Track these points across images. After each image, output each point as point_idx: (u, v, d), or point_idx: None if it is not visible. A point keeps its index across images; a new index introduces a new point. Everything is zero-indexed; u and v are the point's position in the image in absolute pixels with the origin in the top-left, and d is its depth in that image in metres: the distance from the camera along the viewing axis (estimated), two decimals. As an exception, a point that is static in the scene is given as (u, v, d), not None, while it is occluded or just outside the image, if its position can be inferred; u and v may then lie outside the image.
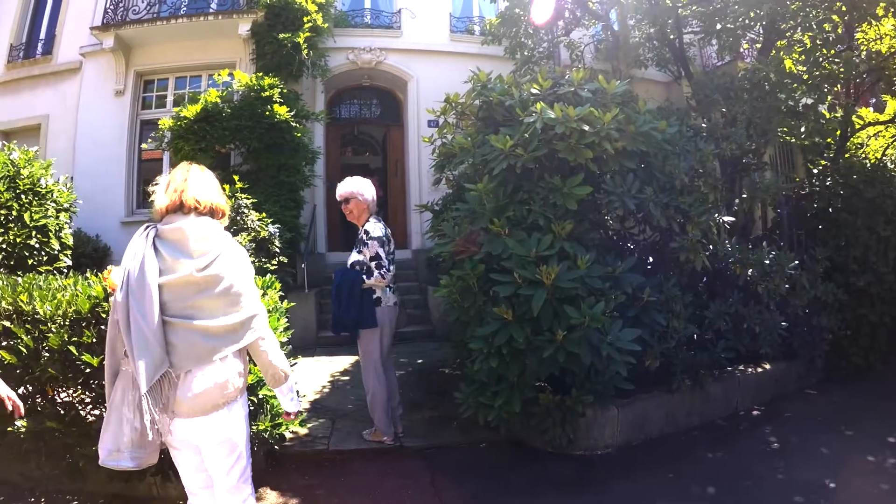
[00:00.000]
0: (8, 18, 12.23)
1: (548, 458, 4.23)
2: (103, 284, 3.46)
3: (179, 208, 2.29)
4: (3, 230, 5.71)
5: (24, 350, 3.40)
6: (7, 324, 3.48)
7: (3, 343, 3.41)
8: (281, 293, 4.17)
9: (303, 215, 9.62)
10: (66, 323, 3.47)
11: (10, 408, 2.44)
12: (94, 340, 3.40)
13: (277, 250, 7.57)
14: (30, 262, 5.89)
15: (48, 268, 5.96)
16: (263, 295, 3.84)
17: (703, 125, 5.85)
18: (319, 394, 5.97)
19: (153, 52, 11.06)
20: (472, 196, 4.29)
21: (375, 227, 4.39)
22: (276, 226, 7.68)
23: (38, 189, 6.20)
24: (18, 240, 5.77)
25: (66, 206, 6.69)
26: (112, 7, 10.75)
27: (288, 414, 2.58)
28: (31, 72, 11.84)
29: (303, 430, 4.71)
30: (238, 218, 7.32)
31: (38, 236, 6.06)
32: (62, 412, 3.60)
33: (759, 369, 5.35)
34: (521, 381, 4.05)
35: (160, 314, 2.13)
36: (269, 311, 3.71)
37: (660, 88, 11.68)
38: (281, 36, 9.64)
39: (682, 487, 3.77)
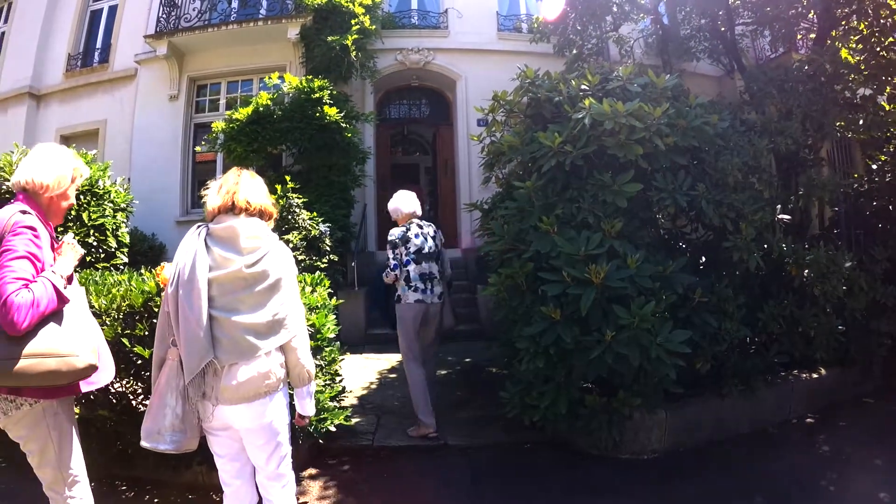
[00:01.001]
0: (65, 29, 12.84)
1: (593, 461, 4.17)
2: (156, 280, 3.58)
3: (231, 209, 2.42)
4: (62, 229, 5.94)
5: (80, 342, 3.54)
6: None
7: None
8: (330, 290, 4.24)
9: (353, 214, 9.72)
10: (120, 316, 3.61)
11: None
12: (146, 333, 3.52)
13: (328, 249, 7.66)
14: (88, 258, 6.09)
15: (105, 265, 6.15)
16: (312, 292, 3.91)
17: (757, 119, 5.67)
18: (366, 390, 6.02)
19: (205, 57, 11.38)
20: (520, 194, 4.25)
21: (391, 232, 4.81)
22: (327, 224, 7.78)
23: (96, 190, 6.41)
24: (77, 238, 5.98)
25: (122, 205, 6.90)
26: (164, 16, 11.11)
27: (302, 418, 2.60)
28: (89, 79, 12.37)
29: (348, 425, 4.75)
30: (289, 217, 7.43)
31: (96, 234, 6.25)
32: (114, 401, 3.73)
33: (814, 375, 5.12)
34: (568, 382, 4.00)
35: (207, 308, 2.25)
36: (317, 308, 3.77)
37: (712, 83, 11.39)
38: (329, 38, 9.75)
39: (729, 496, 3.65)
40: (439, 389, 5.29)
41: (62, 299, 2.14)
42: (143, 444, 2.39)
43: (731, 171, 4.40)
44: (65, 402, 2.35)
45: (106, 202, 6.53)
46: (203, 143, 10.15)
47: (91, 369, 2.18)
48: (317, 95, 8.77)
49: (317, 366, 3.76)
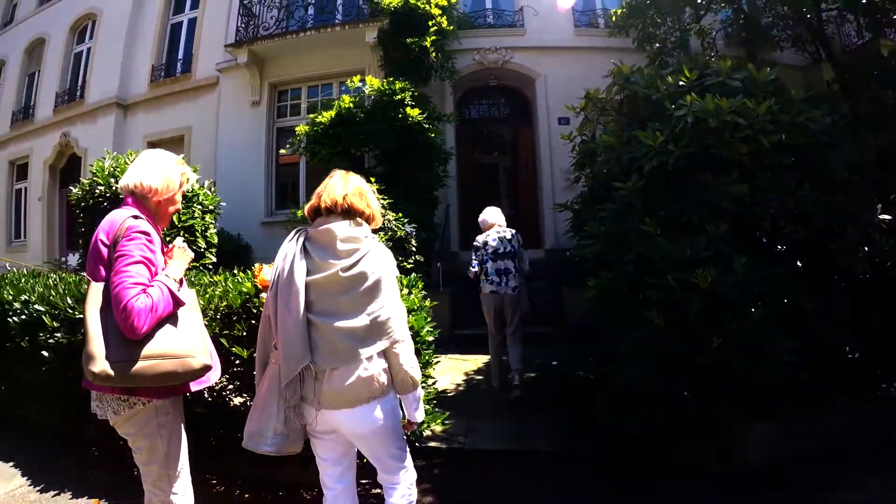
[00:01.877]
0: (148, 43, 13.71)
1: (688, 473, 3.95)
2: (253, 281, 3.64)
3: (329, 212, 2.40)
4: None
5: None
6: None
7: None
8: (423, 292, 4.24)
9: (436, 215, 9.70)
10: (218, 316, 3.70)
11: None
12: (245, 334, 3.59)
13: (414, 249, 7.69)
14: (176, 258, 6.37)
15: (195, 264, 6.40)
16: (409, 294, 3.90)
17: (848, 112, 5.31)
18: (455, 392, 6.01)
19: (285, 63, 11.69)
20: (620, 195, 4.10)
21: (476, 238, 6.11)
22: (413, 225, 7.80)
23: (185, 193, 6.68)
24: (168, 239, 6.23)
25: (210, 207, 7.17)
26: (243, 25, 11.52)
27: (411, 424, 2.52)
28: (173, 88, 13.13)
29: (439, 428, 4.72)
30: None
31: (186, 235, 6.49)
32: (210, 399, 3.87)
33: (920, 388, 4.72)
34: (668, 391, 3.84)
35: (305, 312, 2.25)
36: (414, 310, 3.75)
37: (796, 73, 10.79)
38: (409, 40, 9.75)
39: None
40: (526, 393, 5.33)
41: (177, 302, 2.19)
42: (246, 445, 2.39)
43: (837, 170, 4.13)
44: (176, 401, 2.40)
45: (195, 204, 6.78)
46: (287, 146, 10.31)
47: (205, 369, 2.24)
48: (399, 97, 8.76)
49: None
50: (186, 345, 2.17)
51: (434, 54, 9.98)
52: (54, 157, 14.96)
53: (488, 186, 12.25)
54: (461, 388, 6.15)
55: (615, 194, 4.16)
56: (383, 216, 7.41)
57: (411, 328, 3.66)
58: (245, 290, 3.68)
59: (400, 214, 7.76)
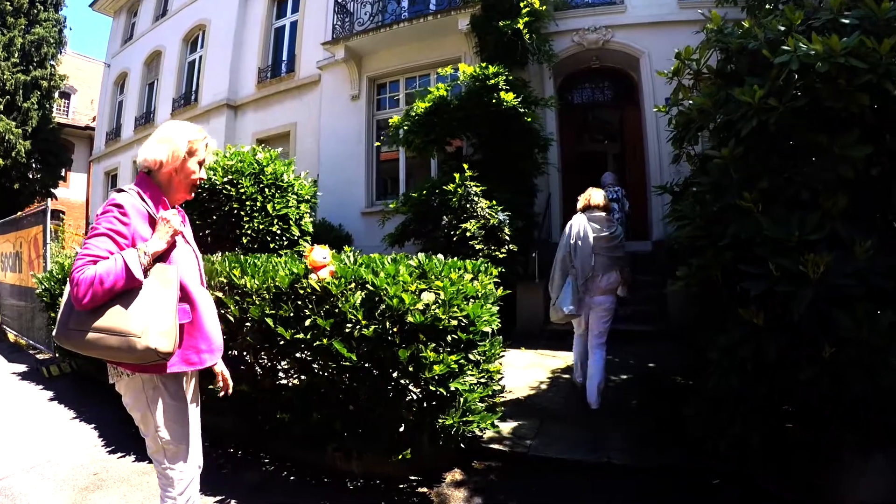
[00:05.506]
0: (253, 47, 14.67)
1: None
2: (304, 262, 3.61)
3: (596, 207, 5.09)
4: (248, 218, 6.39)
5: (232, 319, 3.74)
6: (220, 295, 3.80)
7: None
8: (497, 279, 4.03)
9: (536, 203, 9.40)
10: (269, 297, 3.68)
11: (220, 384, 2.61)
12: (291, 315, 3.55)
13: (507, 238, 7.40)
14: (272, 245, 6.54)
15: (288, 251, 6.49)
16: (472, 279, 3.66)
17: None
18: (534, 390, 5.54)
19: (381, 57, 11.89)
20: (715, 165, 3.40)
21: None
22: (506, 213, 7.52)
23: (281, 183, 6.82)
24: (262, 226, 6.44)
25: (306, 197, 7.25)
26: (339, 23, 11.85)
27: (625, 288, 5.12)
28: (278, 88, 13.88)
29: (506, 430, 4.37)
30: (467, 205, 7.35)
31: (280, 224, 6.70)
32: (257, 378, 3.94)
33: None
34: (767, 406, 3.12)
35: (592, 250, 4.88)
36: (477, 297, 3.48)
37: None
38: (500, 24, 9.48)
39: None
40: (611, 396, 4.95)
41: (132, 277, 2.02)
42: (558, 308, 4.91)
43: None
44: (173, 378, 2.27)
45: (289, 194, 6.94)
46: (382, 138, 10.34)
47: (150, 353, 2.01)
48: (492, 82, 8.42)
49: (472, 362, 3.57)
50: (135, 324, 2.00)
51: (528, 36, 9.55)
52: (172, 156, 16.21)
53: (594, 174, 11.58)
54: (542, 387, 5.65)
55: (709, 165, 3.48)
56: (476, 203, 7.18)
57: (466, 316, 3.33)
58: (295, 270, 3.64)
59: (493, 202, 7.47)
